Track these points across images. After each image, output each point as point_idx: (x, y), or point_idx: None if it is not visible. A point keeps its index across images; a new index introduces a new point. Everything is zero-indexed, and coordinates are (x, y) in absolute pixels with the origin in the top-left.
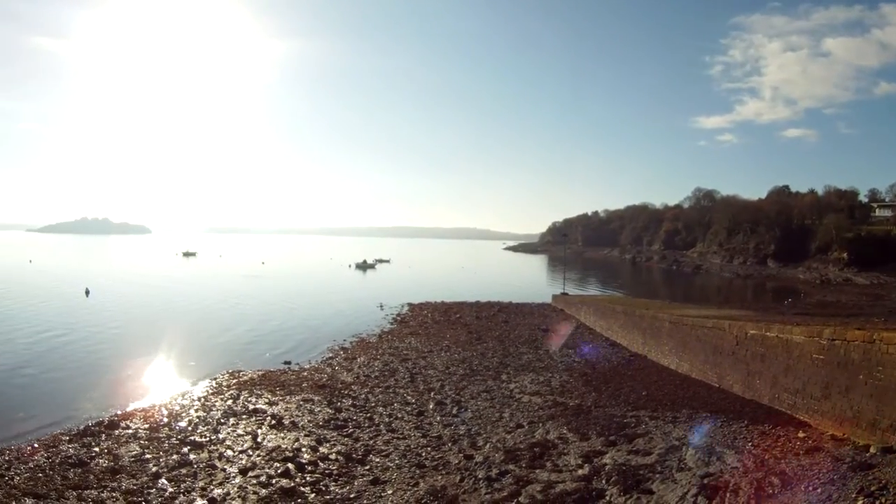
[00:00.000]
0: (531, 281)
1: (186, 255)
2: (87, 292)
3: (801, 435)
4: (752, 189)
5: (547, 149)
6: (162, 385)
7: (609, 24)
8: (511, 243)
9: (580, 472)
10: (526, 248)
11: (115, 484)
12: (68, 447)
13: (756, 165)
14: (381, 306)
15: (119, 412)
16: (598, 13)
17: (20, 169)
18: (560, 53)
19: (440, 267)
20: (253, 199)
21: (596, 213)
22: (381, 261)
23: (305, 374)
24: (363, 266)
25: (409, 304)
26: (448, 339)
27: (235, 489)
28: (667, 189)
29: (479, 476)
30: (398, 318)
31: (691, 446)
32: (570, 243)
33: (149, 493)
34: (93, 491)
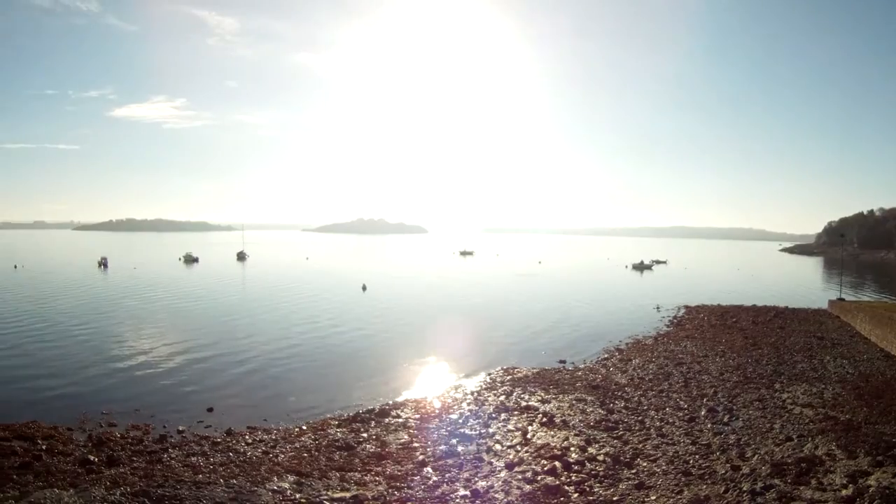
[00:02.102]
0: (806, 285)
1: (464, 253)
2: (364, 288)
3: None
4: None
5: (818, 145)
6: (436, 378)
7: (862, 9)
8: (787, 244)
9: (844, 492)
10: (802, 249)
11: (379, 468)
12: (336, 431)
13: None
14: (658, 308)
15: (391, 402)
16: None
17: (294, 173)
18: (819, 48)
19: (715, 268)
20: (527, 199)
21: (871, 211)
22: (657, 262)
23: (580, 373)
24: (640, 267)
25: (686, 307)
26: (723, 344)
27: (500, 483)
28: None
29: (744, 489)
30: (674, 321)
31: None
32: (846, 244)
33: (412, 480)
34: (356, 473)
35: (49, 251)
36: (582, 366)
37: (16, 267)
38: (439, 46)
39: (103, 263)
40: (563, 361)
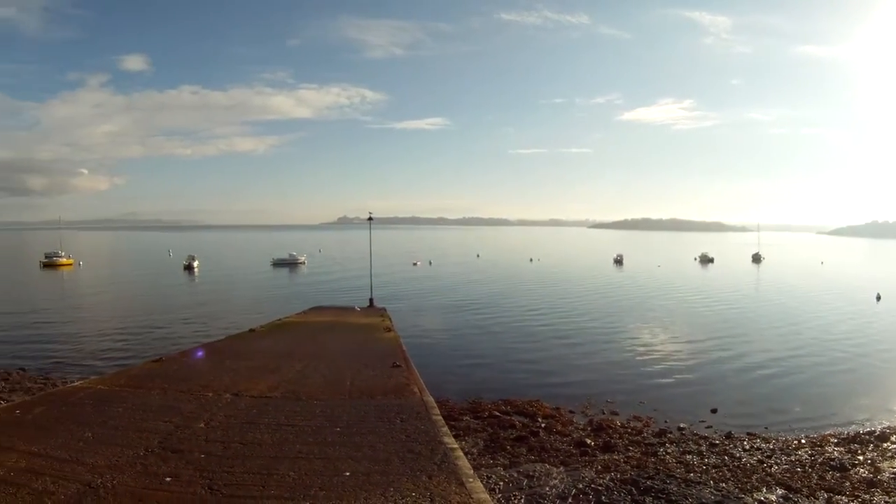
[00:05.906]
0: None
1: None
2: (878, 298)
3: None
4: None
5: None
6: None
7: None
8: None
9: None
10: None
11: (866, 496)
12: (833, 449)
13: None
14: None
15: (891, 425)
16: None
17: (808, 172)
18: None
19: None
20: None
21: None
22: None
23: None
24: None
25: None
26: None
27: None
28: None
29: None
30: None
31: None
32: None
33: None
34: (843, 497)
35: (566, 247)
36: None
37: (531, 260)
38: None
39: (618, 260)
40: None
